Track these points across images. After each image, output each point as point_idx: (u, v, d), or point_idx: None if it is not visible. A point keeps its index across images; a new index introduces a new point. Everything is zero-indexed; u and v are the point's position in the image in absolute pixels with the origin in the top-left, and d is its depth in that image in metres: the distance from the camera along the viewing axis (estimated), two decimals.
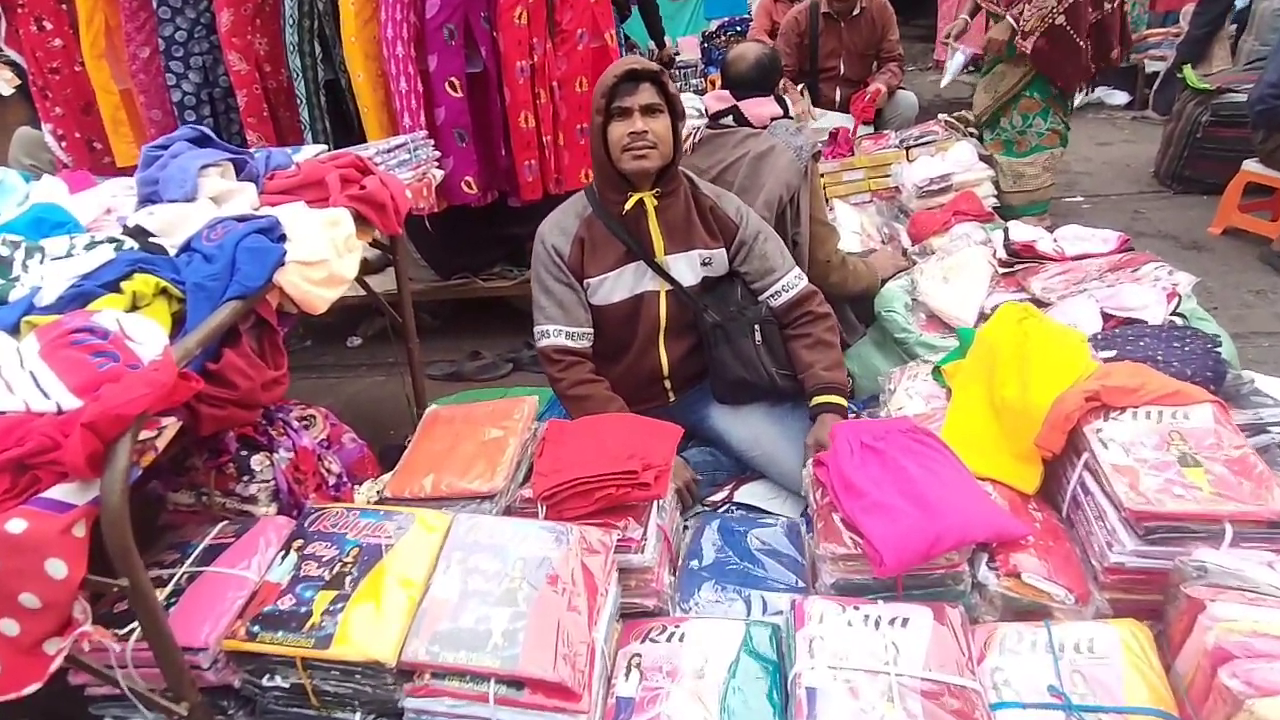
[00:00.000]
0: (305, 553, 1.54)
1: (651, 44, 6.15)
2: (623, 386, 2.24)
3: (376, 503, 1.80)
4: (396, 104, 2.82)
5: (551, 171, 3.09)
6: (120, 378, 1.24)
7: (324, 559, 1.52)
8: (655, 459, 1.76)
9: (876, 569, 1.53)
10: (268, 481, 1.66)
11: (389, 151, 2.26)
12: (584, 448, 1.80)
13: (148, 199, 1.87)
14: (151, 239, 1.64)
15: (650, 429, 1.89)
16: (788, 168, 2.52)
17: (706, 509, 2.17)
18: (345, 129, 3.05)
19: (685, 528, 1.95)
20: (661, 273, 2.18)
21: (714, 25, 7.52)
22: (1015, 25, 3.86)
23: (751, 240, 2.23)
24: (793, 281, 2.24)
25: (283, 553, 1.56)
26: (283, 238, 1.55)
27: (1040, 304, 2.55)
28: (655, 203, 2.12)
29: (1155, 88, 6.61)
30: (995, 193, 4.07)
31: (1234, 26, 5.88)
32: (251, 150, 2.21)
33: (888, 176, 4.36)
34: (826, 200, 4.41)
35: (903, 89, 5.10)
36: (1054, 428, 1.70)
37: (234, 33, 2.78)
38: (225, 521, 1.66)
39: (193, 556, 1.56)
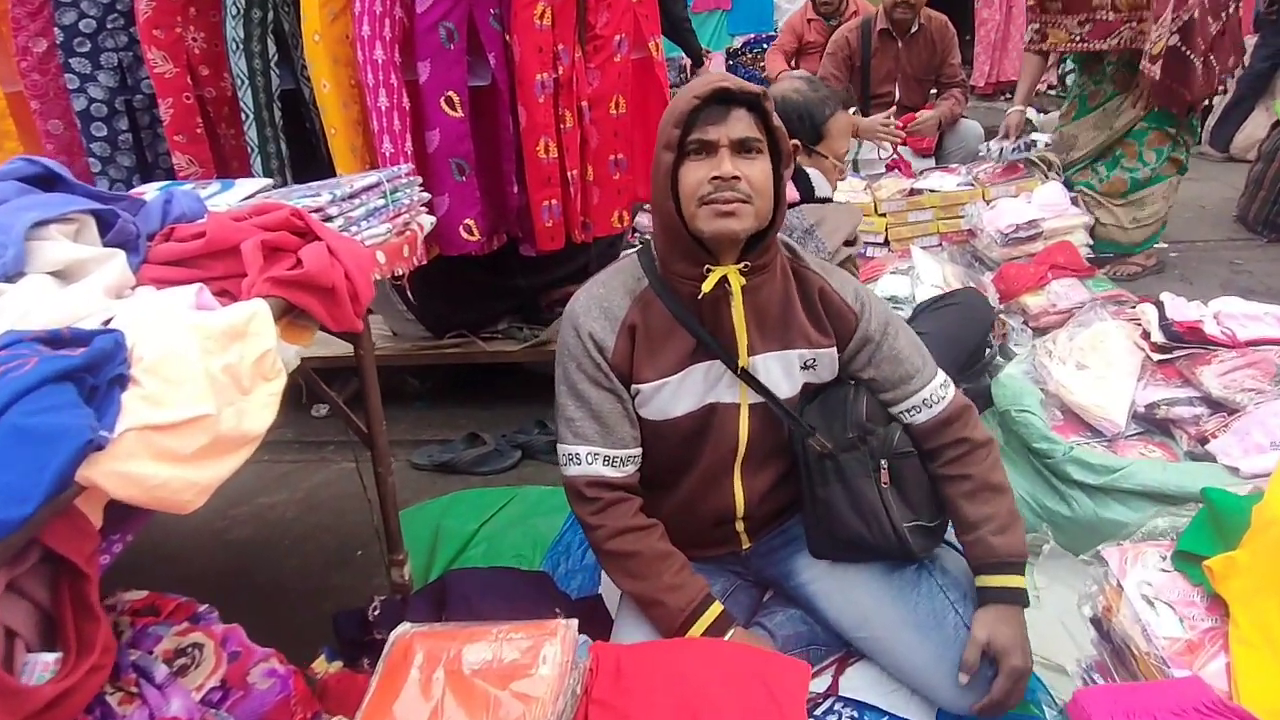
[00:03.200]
0: None
1: (686, 61, 5.49)
2: (679, 527, 1.57)
3: None
4: (374, 125, 2.10)
5: (577, 214, 2.37)
6: None
7: None
8: None
9: None
10: None
11: (352, 197, 1.54)
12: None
13: None
14: None
15: (761, 680, 1.16)
16: None
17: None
18: (308, 154, 2.33)
19: None
20: (746, 377, 1.47)
21: (739, 42, 7.00)
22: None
23: (879, 337, 1.54)
24: (938, 391, 1.55)
25: None
26: (120, 382, 0.82)
27: (1220, 407, 2.01)
28: (743, 281, 1.42)
29: (1213, 122, 6.17)
30: (1090, 241, 3.56)
31: None
32: (142, 193, 1.49)
33: (960, 218, 3.77)
34: (888, 244, 3.78)
35: (965, 118, 4.50)
36: None
37: (156, 22, 2.06)
38: None
39: None
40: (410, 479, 2.60)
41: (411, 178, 1.75)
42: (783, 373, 1.51)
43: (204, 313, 1.02)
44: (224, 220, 1.27)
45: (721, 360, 1.46)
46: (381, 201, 1.63)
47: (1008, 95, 7.54)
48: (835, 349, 1.53)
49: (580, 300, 1.50)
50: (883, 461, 1.50)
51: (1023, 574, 1.46)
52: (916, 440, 1.56)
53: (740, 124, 1.35)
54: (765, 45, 6.75)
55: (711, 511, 1.59)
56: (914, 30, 4.29)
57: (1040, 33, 3.64)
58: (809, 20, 5.54)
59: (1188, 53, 3.27)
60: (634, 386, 1.48)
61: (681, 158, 1.37)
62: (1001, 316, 3.05)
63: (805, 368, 1.53)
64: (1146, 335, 2.28)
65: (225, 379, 0.94)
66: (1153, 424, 2.10)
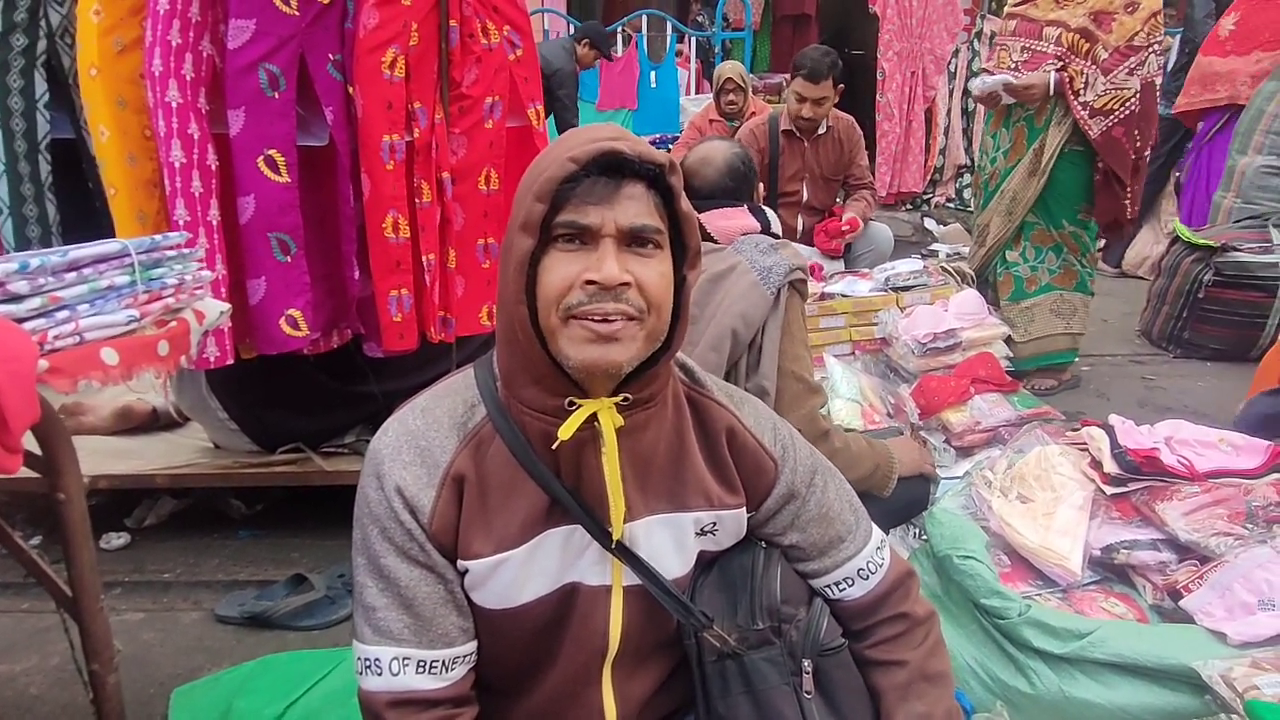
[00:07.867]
0: None
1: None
2: None
3: None
4: (168, 186, 1.65)
5: (434, 308, 1.94)
6: None
7: None
8: None
9: None
10: None
11: (73, 269, 1.07)
12: None
13: None
14: None
15: None
16: (747, 293, 1.73)
17: None
18: (90, 221, 1.84)
19: None
20: (621, 551, 1.04)
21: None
22: (1057, 85, 3.12)
23: (805, 490, 1.14)
24: (874, 557, 1.18)
25: None
26: None
27: (1188, 551, 1.77)
28: (620, 421, 0.99)
29: (1105, 242, 6.38)
30: (1010, 353, 3.38)
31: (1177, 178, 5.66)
32: None
33: (873, 325, 3.54)
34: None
35: (874, 221, 4.37)
36: None
37: None
38: None
39: None
40: (210, 636, 2.02)
41: (185, 250, 1.29)
42: (672, 543, 1.08)
43: None
44: None
45: (585, 528, 1.02)
46: (126, 278, 1.16)
47: (909, 205, 7.67)
48: (745, 508, 1.12)
49: (389, 435, 1.03)
50: (805, 662, 1.09)
51: None
52: (843, 619, 1.17)
53: (634, 205, 0.94)
54: (670, 146, 6.69)
55: None
56: (821, 131, 4.19)
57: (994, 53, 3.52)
58: (711, 120, 5.54)
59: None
60: (462, 562, 1.01)
61: (545, 245, 0.94)
62: (922, 435, 2.81)
63: (702, 533, 1.10)
64: (1095, 464, 2.02)
65: None
66: (1110, 570, 1.85)
